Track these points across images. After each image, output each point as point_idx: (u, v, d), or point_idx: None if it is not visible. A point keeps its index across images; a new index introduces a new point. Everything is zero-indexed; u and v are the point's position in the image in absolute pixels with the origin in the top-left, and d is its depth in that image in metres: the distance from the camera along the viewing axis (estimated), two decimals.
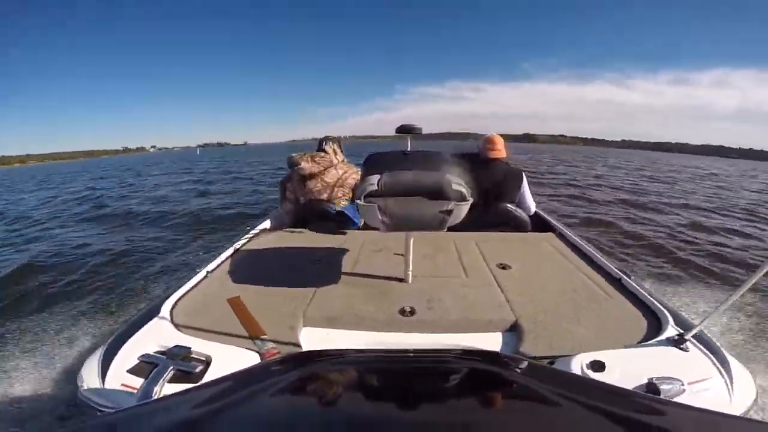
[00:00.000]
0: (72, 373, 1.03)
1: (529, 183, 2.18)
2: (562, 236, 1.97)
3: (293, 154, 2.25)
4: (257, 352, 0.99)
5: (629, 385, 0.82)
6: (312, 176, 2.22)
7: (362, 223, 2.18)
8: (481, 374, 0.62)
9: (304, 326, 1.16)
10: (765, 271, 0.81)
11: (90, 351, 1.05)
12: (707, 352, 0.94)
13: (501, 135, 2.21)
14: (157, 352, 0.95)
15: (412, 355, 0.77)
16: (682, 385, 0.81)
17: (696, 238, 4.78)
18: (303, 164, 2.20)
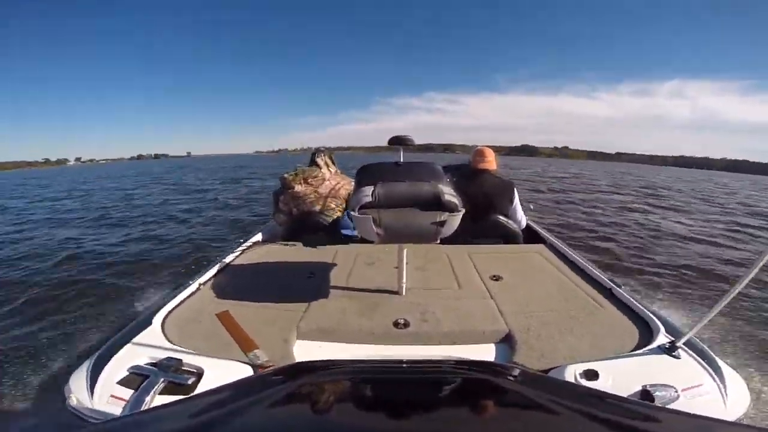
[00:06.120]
0: (59, 384, 1.00)
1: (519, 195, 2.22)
2: (553, 248, 1.99)
3: (285, 175, 2.29)
4: (250, 364, 0.98)
5: (624, 392, 0.82)
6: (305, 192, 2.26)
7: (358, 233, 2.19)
8: (476, 384, 0.62)
9: (297, 339, 1.14)
10: (751, 276, 0.84)
11: (78, 362, 1.02)
12: (699, 358, 0.95)
13: (496, 147, 2.25)
14: (148, 364, 0.93)
15: (405, 365, 0.76)
16: (676, 391, 0.82)
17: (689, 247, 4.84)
18: (297, 188, 2.25)
